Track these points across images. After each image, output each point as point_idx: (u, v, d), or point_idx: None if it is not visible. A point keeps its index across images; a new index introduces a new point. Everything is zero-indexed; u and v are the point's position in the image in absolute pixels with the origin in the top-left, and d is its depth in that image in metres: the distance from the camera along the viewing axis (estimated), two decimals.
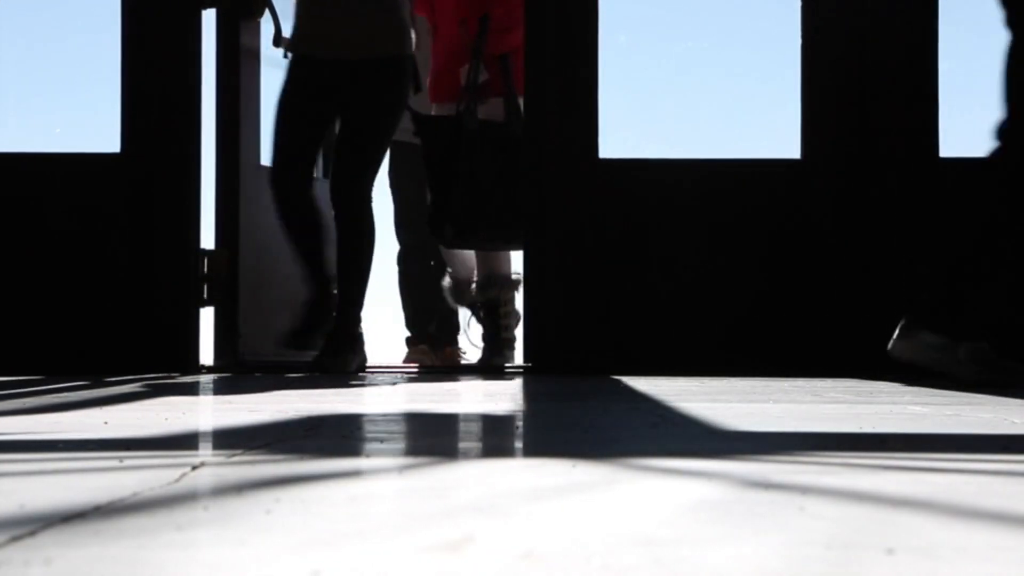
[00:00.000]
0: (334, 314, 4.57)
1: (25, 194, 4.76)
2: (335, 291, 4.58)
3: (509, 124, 4.88)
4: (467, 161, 4.74)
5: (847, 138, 4.82)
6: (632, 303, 4.81)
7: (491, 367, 5.09)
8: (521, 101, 4.84)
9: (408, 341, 5.59)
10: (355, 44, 4.56)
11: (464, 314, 5.39)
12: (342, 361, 4.52)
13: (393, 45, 4.59)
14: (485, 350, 5.23)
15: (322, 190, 4.73)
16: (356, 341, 4.63)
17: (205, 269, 4.75)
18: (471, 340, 5.45)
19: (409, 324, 5.61)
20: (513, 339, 5.25)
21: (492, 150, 4.78)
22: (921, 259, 4.67)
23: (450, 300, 5.24)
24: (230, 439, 1.92)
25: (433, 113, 5.02)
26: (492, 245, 4.99)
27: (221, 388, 3.46)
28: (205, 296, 4.75)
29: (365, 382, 3.99)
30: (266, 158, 4.85)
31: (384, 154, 4.79)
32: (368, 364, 4.76)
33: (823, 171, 4.83)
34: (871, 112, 4.81)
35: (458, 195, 4.76)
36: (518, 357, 5.08)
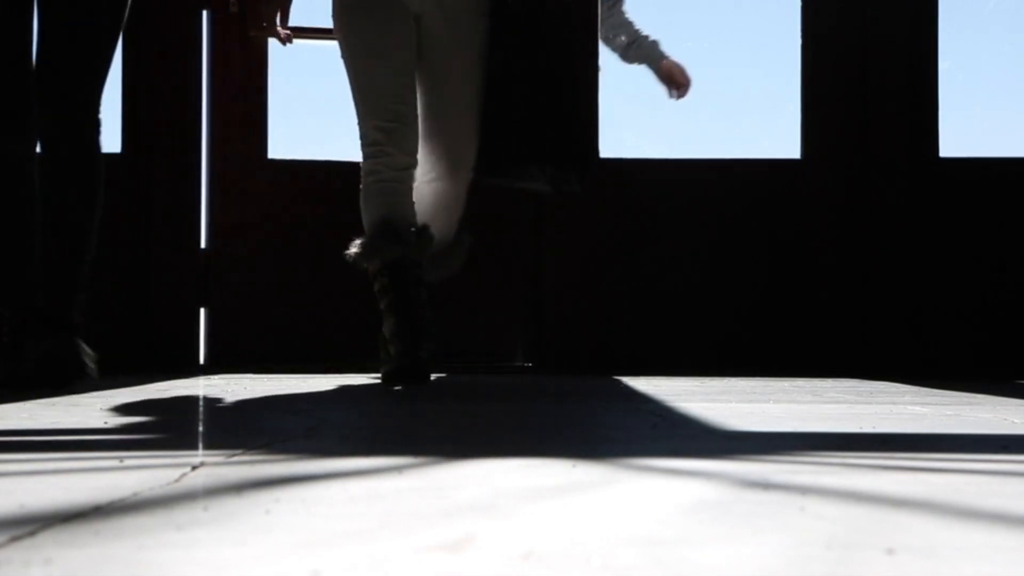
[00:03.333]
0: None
1: None
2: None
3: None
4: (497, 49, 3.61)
5: (847, 138, 4.82)
6: (632, 303, 4.81)
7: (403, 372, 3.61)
8: None
9: None
10: None
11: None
12: (72, 364, 3.16)
13: None
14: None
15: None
16: (77, 331, 3.24)
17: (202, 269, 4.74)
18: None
19: None
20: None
21: (517, 34, 3.69)
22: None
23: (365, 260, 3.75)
24: (230, 439, 1.92)
25: None
26: (520, 178, 3.72)
27: (220, 388, 3.46)
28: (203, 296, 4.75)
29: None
30: (277, 151, 4.85)
31: (115, 50, 3.42)
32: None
33: (823, 171, 4.83)
34: (871, 112, 4.82)
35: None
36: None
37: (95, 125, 3.30)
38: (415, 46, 3.79)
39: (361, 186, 3.75)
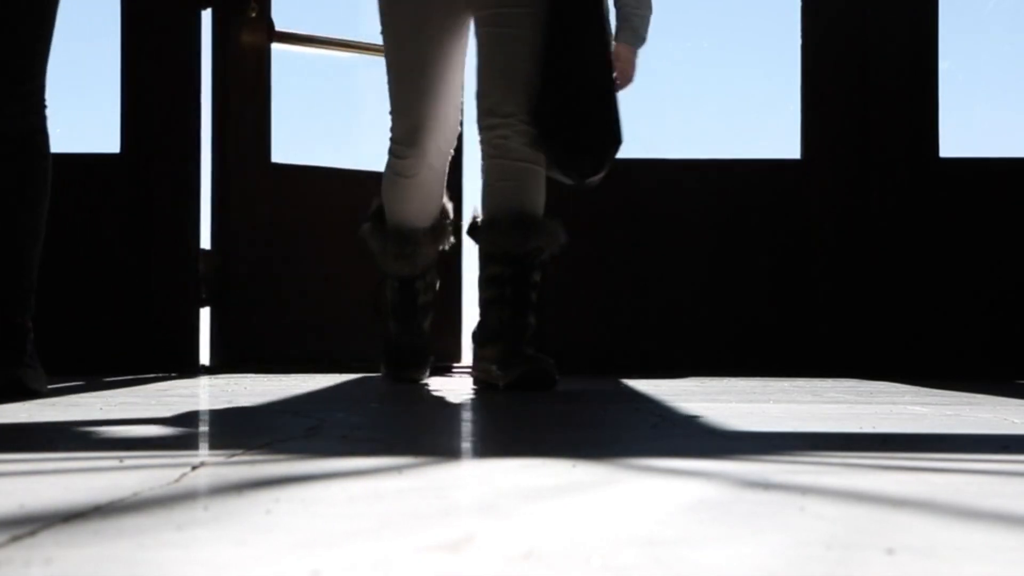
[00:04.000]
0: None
1: None
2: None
3: None
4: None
5: (847, 138, 4.82)
6: (632, 303, 4.81)
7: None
8: None
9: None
10: None
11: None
12: (28, 373, 2.84)
13: None
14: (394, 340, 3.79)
15: None
16: (29, 337, 2.92)
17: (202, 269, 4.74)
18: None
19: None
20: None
21: None
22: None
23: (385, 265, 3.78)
24: (230, 439, 1.92)
25: None
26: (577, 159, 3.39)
27: (220, 388, 3.46)
28: (203, 295, 4.76)
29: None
30: (280, 156, 4.85)
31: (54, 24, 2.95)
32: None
33: (823, 171, 4.83)
34: (871, 112, 4.82)
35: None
36: None
37: (39, 110, 2.94)
38: (461, 14, 3.55)
39: (384, 173, 3.74)
